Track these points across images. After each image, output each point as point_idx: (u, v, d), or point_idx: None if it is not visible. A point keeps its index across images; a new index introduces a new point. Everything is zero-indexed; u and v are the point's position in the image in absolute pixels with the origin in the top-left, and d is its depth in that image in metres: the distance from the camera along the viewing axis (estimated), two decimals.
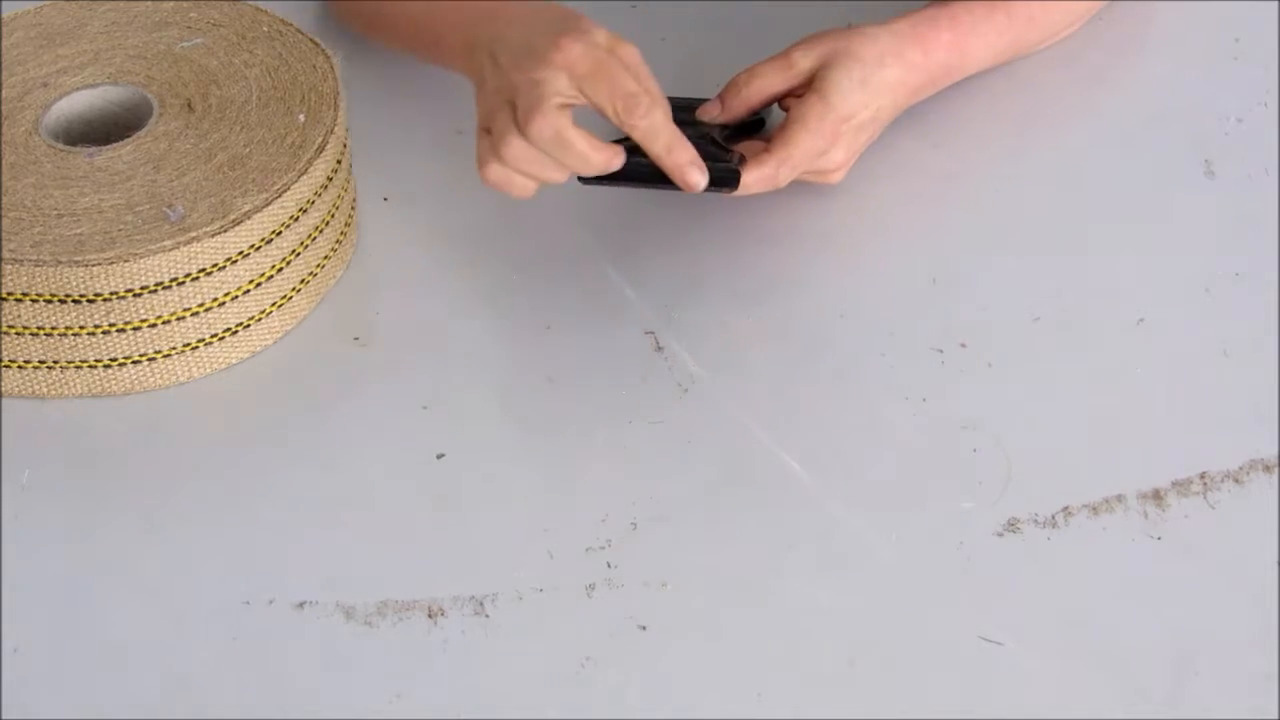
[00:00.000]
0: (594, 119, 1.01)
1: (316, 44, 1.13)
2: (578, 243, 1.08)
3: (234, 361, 1.06)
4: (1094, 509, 0.97)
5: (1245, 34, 1.23)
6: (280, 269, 1.05)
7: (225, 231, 1.02)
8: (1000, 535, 0.96)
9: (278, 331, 1.07)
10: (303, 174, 1.05)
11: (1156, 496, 0.97)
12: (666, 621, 0.93)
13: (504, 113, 1.01)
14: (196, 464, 1.01)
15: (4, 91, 1.11)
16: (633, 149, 1.02)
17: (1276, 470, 0.98)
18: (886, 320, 1.07)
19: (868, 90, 1.07)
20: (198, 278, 1.02)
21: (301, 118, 1.08)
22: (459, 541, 0.97)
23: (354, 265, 1.11)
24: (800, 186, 1.10)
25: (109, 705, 0.90)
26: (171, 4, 1.16)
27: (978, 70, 1.15)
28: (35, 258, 1.00)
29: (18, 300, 1.01)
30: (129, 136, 1.08)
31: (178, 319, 1.02)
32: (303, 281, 1.07)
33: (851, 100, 1.07)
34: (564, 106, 0.99)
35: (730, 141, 1.09)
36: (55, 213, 1.03)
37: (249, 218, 1.03)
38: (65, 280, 1.00)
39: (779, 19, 1.25)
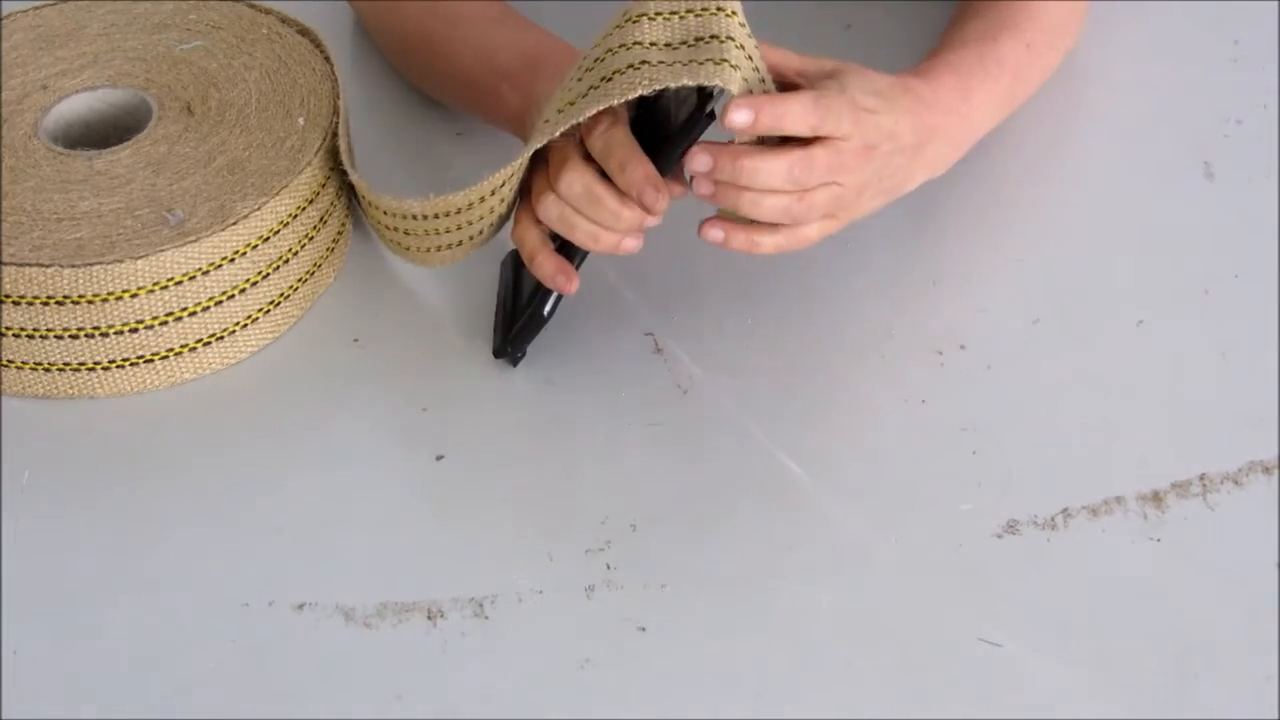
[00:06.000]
0: None
1: (316, 46, 1.13)
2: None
3: (233, 362, 1.06)
4: (1093, 511, 0.97)
5: (1245, 36, 1.24)
6: (278, 268, 1.05)
7: (224, 234, 1.02)
8: (1000, 537, 0.96)
9: (277, 332, 1.07)
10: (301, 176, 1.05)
11: (1156, 498, 0.97)
12: (666, 623, 0.93)
13: (540, 168, 1.01)
14: (196, 465, 1.01)
15: (3, 94, 1.11)
16: None
17: (1276, 472, 0.98)
18: (886, 321, 1.07)
19: (883, 99, 1.01)
20: (195, 277, 1.02)
21: (301, 121, 1.08)
22: (459, 543, 0.97)
23: (353, 266, 1.11)
24: None
25: (108, 706, 0.90)
26: (171, 6, 1.16)
27: (984, 127, 1.10)
28: (35, 261, 1.00)
29: (14, 303, 1.01)
30: (128, 139, 1.08)
31: (176, 320, 1.02)
32: (300, 281, 1.07)
33: (867, 97, 1.00)
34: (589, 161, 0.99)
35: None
36: (55, 217, 1.03)
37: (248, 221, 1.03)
38: (64, 283, 1.00)
39: (778, 20, 1.25)
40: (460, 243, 1.03)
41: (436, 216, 1.02)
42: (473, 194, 1.00)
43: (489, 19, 1.13)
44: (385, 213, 1.05)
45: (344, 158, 1.08)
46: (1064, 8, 1.13)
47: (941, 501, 0.97)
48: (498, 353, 1.05)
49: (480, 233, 1.03)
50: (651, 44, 0.96)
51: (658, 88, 0.94)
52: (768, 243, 1.00)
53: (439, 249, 1.04)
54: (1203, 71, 1.21)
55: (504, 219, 1.04)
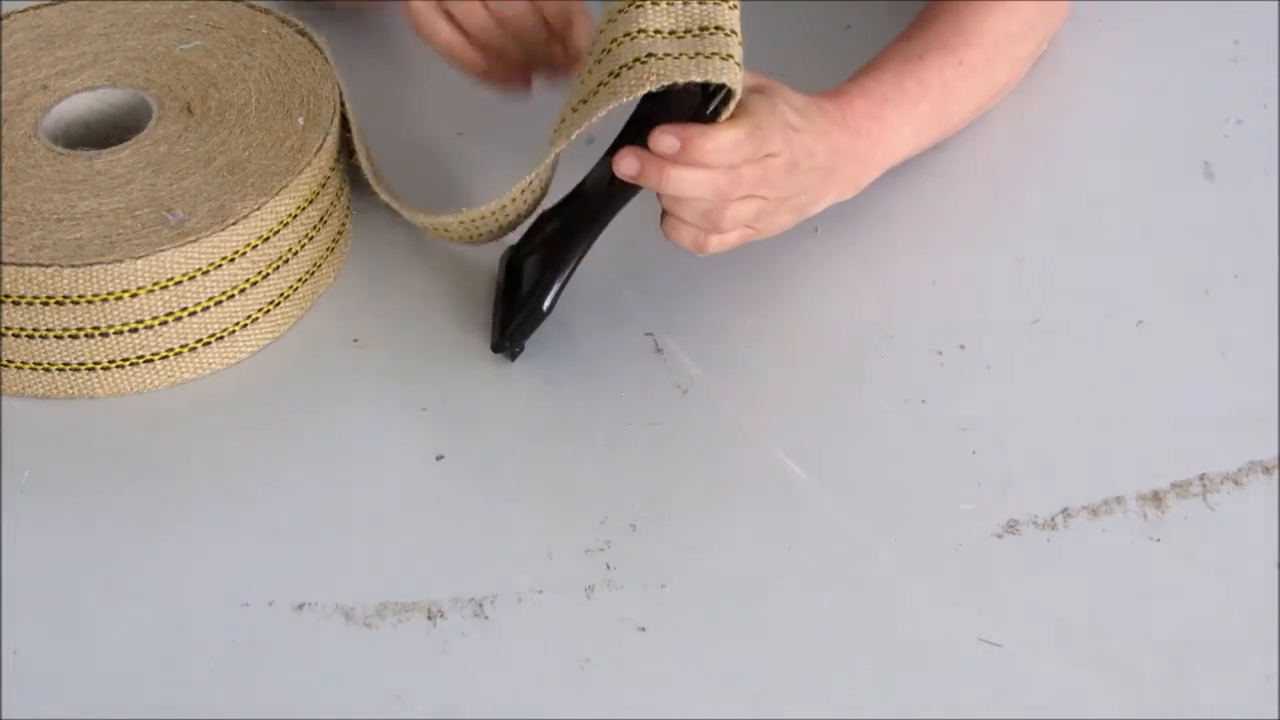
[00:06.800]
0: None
1: (316, 46, 1.13)
2: None
3: (234, 362, 1.06)
4: (1093, 511, 0.97)
5: (1245, 36, 1.23)
6: (278, 268, 1.05)
7: (224, 234, 1.02)
8: (1000, 537, 0.96)
9: (277, 332, 1.07)
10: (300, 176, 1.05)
11: (1156, 498, 0.97)
12: (666, 623, 0.93)
13: None
14: (196, 465, 1.01)
15: (3, 94, 1.11)
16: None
17: (1275, 472, 0.98)
18: (886, 321, 1.07)
19: (804, 118, 1.01)
20: (195, 277, 1.02)
21: (301, 121, 1.08)
22: (458, 543, 0.97)
23: (353, 266, 1.11)
24: None
25: (108, 706, 0.90)
26: (171, 6, 1.16)
27: (900, 150, 1.10)
28: (35, 261, 1.00)
29: (14, 303, 1.01)
30: (128, 139, 1.08)
31: (176, 320, 1.02)
32: (300, 281, 1.07)
33: (792, 114, 1.01)
34: None
35: None
36: (55, 217, 1.03)
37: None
38: (64, 283, 1.00)
39: (779, 20, 1.25)
40: (501, 227, 1.05)
41: (472, 221, 1.04)
42: (505, 198, 1.02)
43: None
44: (423, 224, 1.07)
45: (369, 177, 1.08)
46: (1010, 18, 1.12)
47: (941, 501, 0.97)
48: (496, 347, 1.05)
49: (519, 215, 1.05)
50: (656, 31, 0.96)
51: (665, 83, 0.94)
52: (685, 235, 1.00)
53: (477, 236, 1.06)
54: (1203, 71, 1.21)
55: (538, 202, 1.05)
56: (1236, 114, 1.18)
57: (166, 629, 0.93)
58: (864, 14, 1.26)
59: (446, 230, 1.06)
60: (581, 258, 1.02)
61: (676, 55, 0.95)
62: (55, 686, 0.91)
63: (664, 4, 0.96)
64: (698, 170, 0.96)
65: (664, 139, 0.95)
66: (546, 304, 1.03)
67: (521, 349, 1.05)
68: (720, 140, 0.96)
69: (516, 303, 1.04)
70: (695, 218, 0.99)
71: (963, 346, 1.05)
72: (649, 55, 0.95)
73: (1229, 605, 0.93)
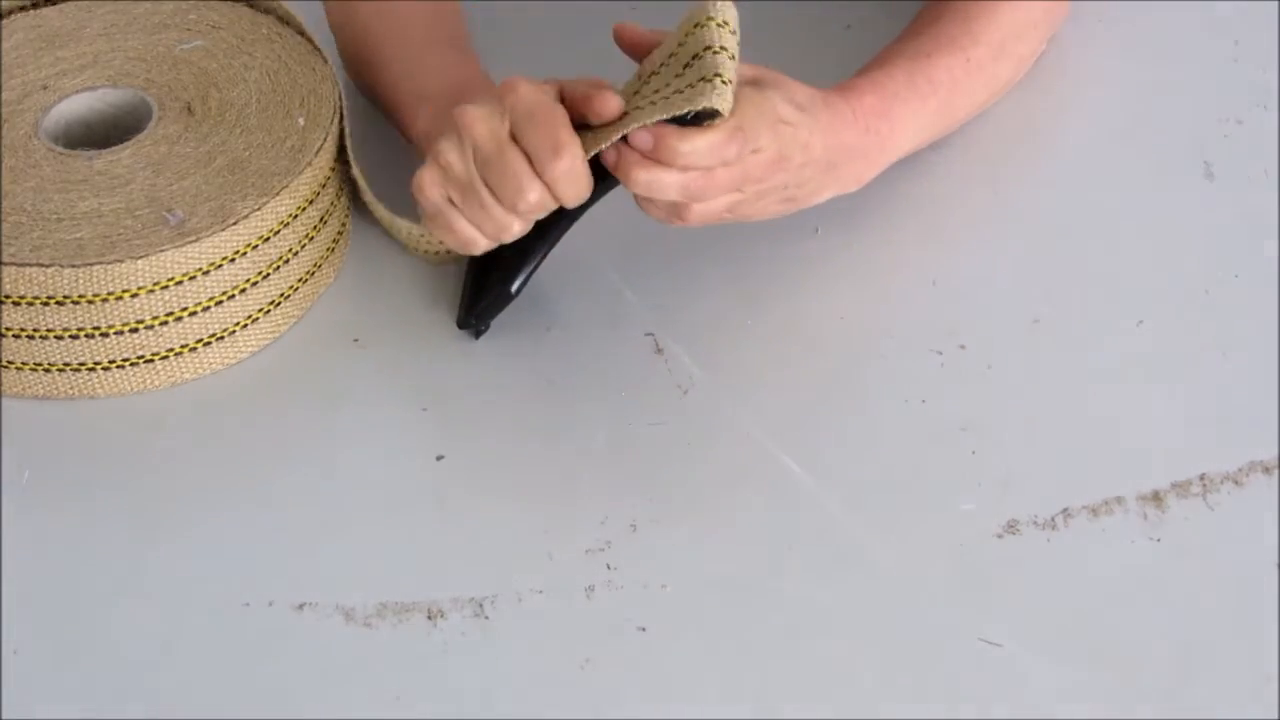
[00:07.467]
0: None
1: (316, 46, 1.13)
2: (578, 244, 1.08)
3: (233, 362, 1.06)
4: (1093, 511, 0.97)
5: (1245, 36, 1.23)
6: (278, 268, 1.05)
7: (224, 234, 1.02)
8: (1000, 537, 0.96)
9: (277, 332, 1.07)
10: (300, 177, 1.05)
11: (1156, 498, 0.97)
12: (666, 623, 0.93)
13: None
14: (196, 465, 1.01)
15: (3, 94, 1.11)
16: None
17: (1276, 472, 0.98)
18: (886, 321, 1.07)
19: (803, 113, 1.00)
20: (195, 277, 1.02)
21: (301, 121, 1.08)
22: (459, 543, 0.97)
23: (353, 266, 1.11)
24: None
25: (108, 706, 0.90)
26: (171, 6, 1.16)
27: (906, 147, 1.09)
28: (35, 261, 1.00)
29: (14, 303, 1.01)
30: (128, 139, 1.08)
31: (176, 320, 1.02)
32: (300, 281, 1.07)
33: (788, 108, 0.99)
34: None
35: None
36: (55, 217, 1.03)
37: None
38: (64, 283, 1.00)
39: (779, 20, 1.25)
40: (439, 253, 1.08)
41: (422, 236, 1.06)
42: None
43: (430, 41, 1.13)
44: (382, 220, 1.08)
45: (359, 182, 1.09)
46: (1017, 16, 1.12)
47: (941, 501, 0.97)
48: (461, 324, 1.06)
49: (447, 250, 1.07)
50: (655, 90, 0.97)
51: (636, 125, 0.95)
52: (656, 213, 1.00)
53: (428, 252, 1.08)
54: (1203, 71, 1.21)
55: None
56: (1236, 114, 1.18)
57: (166, 629, 0.93)
58: (864, 14, 1.26)
59: (403, 235, 1.08)
60: (555, 244, 1.03)
61: (655, 101, 0.96)
62: (55, 686, 0.91)
63: (665, 69, 0.97)
64: (671, 171, 0.96)
65: (640, 135, 0.95)
66: (515, 286, 1.04)
67: (487, 328, 1.05)
68: (696, 144, 0.95)
69: (486, 283, 1.05)
70: (662, 207, 0.99)
71: (963, 346, 1.05)
72: (635, 110, 0.97)
73: (1229, 605, 0.93)
